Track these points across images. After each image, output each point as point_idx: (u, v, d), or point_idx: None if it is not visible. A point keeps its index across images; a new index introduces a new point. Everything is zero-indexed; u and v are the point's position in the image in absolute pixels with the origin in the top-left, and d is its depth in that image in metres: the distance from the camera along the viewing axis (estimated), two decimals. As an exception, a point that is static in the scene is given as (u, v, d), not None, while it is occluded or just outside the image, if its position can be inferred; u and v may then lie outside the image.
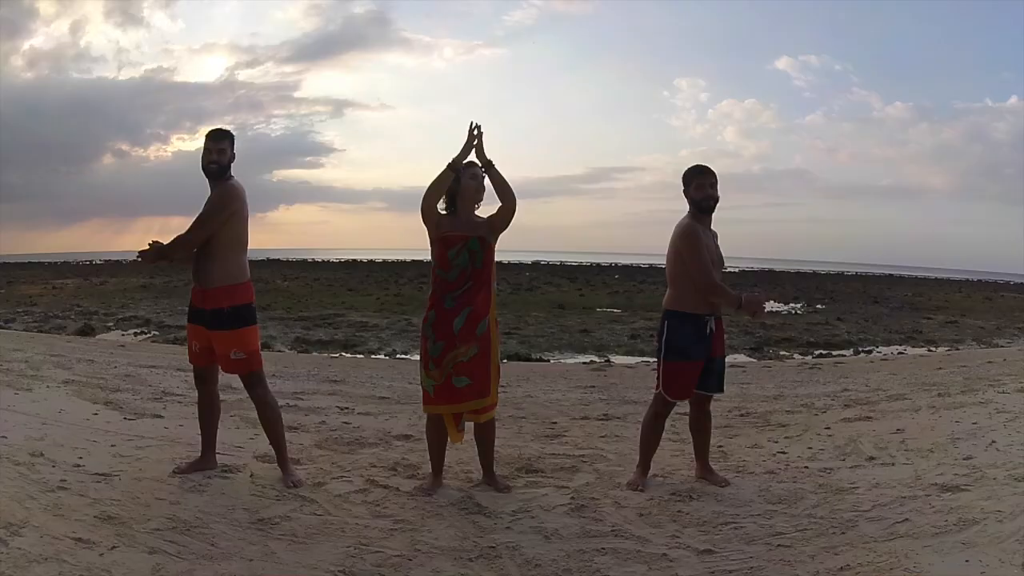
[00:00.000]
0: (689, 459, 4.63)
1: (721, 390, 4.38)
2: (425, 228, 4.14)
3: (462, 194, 4.13)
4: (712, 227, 4.32)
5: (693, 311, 4.20)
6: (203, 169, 4.13)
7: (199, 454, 4.31)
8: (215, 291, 4.09)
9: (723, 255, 4.36)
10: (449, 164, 4.07)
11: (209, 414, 4.31)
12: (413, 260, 59.53)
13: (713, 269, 4.17)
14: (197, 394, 4.33)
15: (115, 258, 75.31)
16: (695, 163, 4.25)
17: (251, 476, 4.19)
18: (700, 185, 4.22)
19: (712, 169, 4.26)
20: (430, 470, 4.25)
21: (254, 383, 4.24)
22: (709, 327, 4.21)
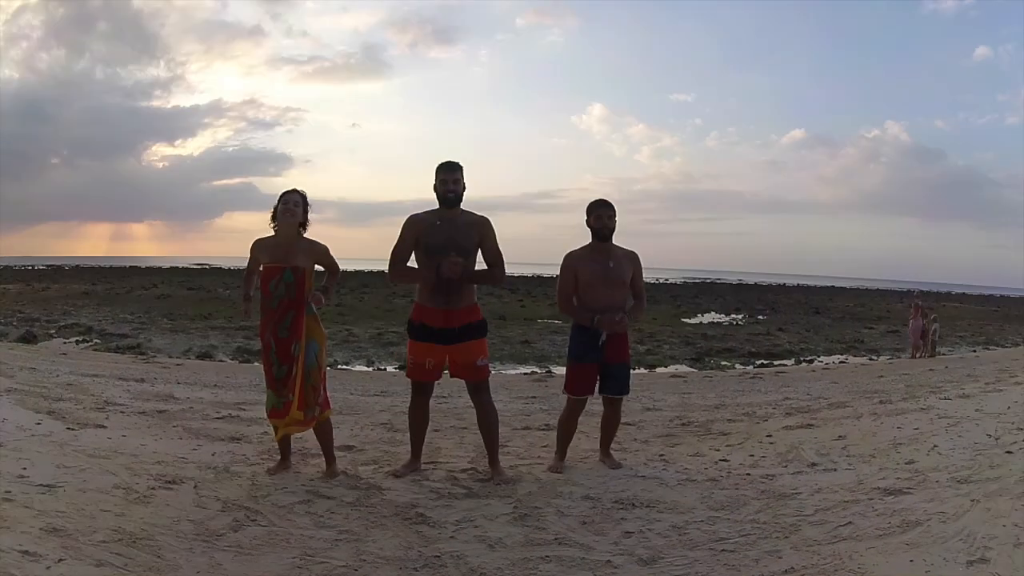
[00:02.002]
0: (620, 456, 5.06)
1: (621, 393, 4.87)
2: None
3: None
4: (632, 247, 4.85)
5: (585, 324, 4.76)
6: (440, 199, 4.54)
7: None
8: (464, 310, 4.59)
9: (636, 270, 4.84)
10: None
11: (424, 423, 4.78)
12: (355, 270, 59.19)
13: (596, 289, 4.70)
14: (414, 405, 4.75)
15: (57, 263, 73.63)
16: (598, 197, 4.81)
17: (195, 487, 4.13)
18: (599, 216, 4.77)
19: (610, 202, 4.77)
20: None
21: (485, 389, 4.70)
22: (601, 339, 4.70)
